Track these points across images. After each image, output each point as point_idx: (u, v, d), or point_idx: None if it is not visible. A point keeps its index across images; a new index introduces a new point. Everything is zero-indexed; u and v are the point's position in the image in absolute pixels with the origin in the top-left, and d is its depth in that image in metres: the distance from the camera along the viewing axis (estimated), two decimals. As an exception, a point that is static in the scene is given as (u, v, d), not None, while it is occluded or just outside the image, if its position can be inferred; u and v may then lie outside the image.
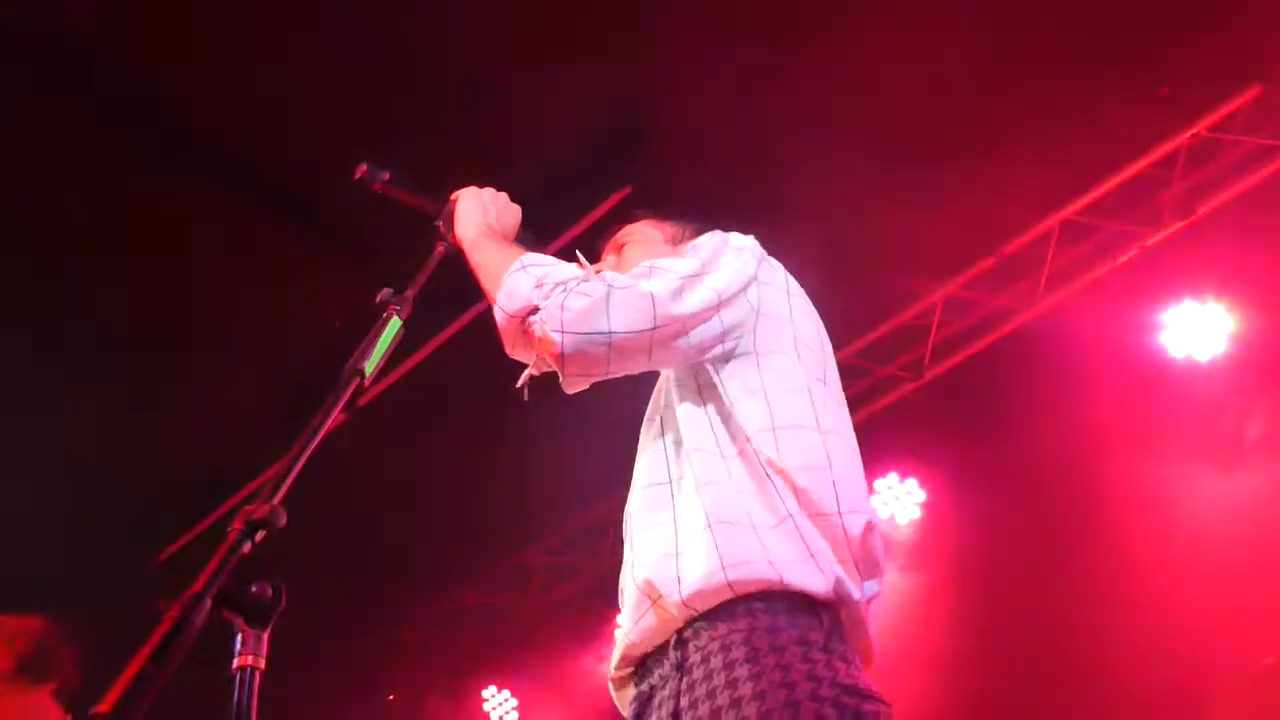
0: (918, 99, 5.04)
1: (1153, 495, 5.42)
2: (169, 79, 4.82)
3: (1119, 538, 5.41)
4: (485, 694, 8.03)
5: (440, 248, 2.00)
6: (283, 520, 1.43)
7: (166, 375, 5.90)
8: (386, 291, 1.81)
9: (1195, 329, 5.58)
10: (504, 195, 2.28)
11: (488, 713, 8.01)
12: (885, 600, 6.38)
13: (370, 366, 1.68)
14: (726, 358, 2.07)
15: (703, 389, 2.10)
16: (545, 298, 1.96)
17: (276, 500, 1.45)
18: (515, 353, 2.06)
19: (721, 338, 2.05)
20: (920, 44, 4.85)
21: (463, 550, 7.27)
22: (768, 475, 1.96)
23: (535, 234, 2.20)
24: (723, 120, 5.16)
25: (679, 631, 1.92)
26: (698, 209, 2.55)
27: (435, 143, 4.80)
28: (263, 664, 1.38)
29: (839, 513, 1.95)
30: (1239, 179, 5.41)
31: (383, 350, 1.72)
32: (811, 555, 1.90)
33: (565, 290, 1.95)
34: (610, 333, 1.92)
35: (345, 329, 5.31)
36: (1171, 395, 5.60)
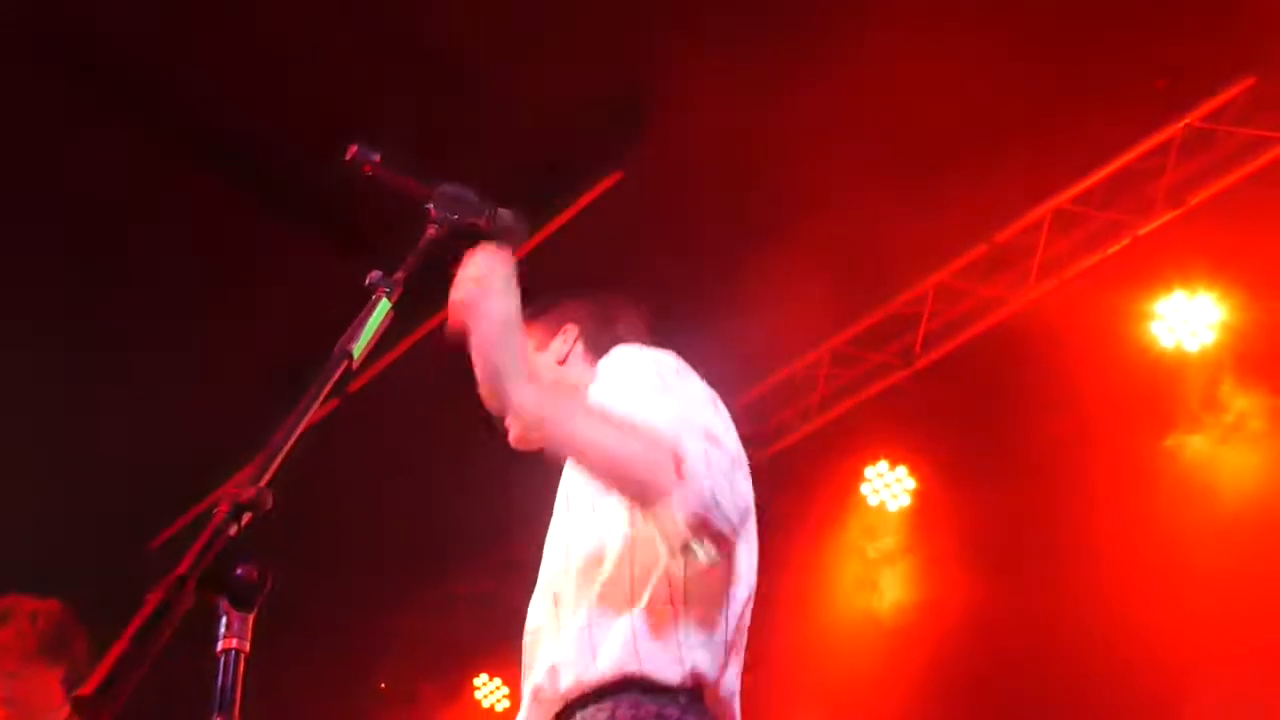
0: (911, 90, 5.04)
1: (1142, 484, 5.44)
2: (166, 67, 4.81)
3: (1108, 526, 5.43)
4: (477, 682, 8.04)
5: (432, 230, 1.98)
6: (269, 503, 1.42)
7: (163, 360, 5.88)
8: (376, 274, 1.80)
9: (1185, 319, 5.59)
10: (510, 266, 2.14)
11: (479, 700, 8.02)
12: (878, 588, 6.37)
13: (359, 349, 1.68)
14: None
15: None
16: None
17: (263, 482, 1.44)
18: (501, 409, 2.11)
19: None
20: (915, 37, 4.84)
21: (455, 538, 7.27)
22: (656, 576, 2.06)
23: (524, 217, 2.18)
24: (716, 109, 5.16)
25: (557, 715, 2.07)
26: (572, 297, 2.56)
27: (427, 125, 4.80)
28: (248, 647, 1.37)
29: (725, 615, 2.09)
30: (1231, 170, 5.42)
31: (371, 333, 1.71)
32: (680, 659, 2.01)
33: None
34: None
35: (335, 313, 5.33)
36: (1160, 385, 5.61)
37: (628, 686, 1.99)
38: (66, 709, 3.30)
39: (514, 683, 7.91)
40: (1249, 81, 5.26)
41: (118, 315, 5.68)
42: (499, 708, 7.96)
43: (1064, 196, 5.69)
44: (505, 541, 7.66)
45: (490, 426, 2.14)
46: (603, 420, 2.03)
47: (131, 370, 5.92)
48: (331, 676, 7.91)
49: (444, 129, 4.90)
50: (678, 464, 1.92)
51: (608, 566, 2.11)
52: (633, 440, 1.97)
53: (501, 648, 8.12)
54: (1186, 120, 5.38)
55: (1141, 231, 5.63)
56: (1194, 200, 5.49)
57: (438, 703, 8.19)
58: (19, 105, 4.78)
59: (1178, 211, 5.53)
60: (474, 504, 6.89)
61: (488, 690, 8.00)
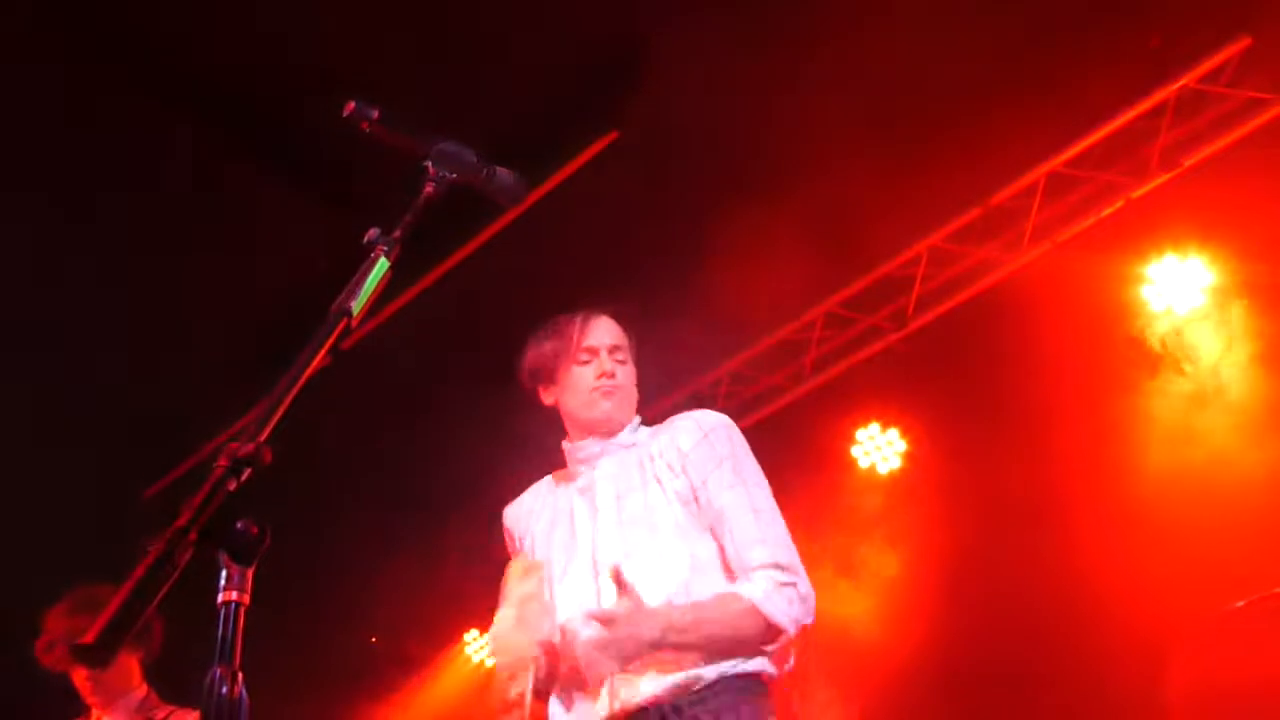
0: (905, 52, 5.01)
1: (1133, 445, 5.46)
2: (162, 14, 4.77)
3: (1099, 488, 5.45)
4: (467, 637, 8.09)
5: (429, 188, 1.98)
6: (267, 458, 1.43)
7: (156, 313, 5.88)
8: (374, 231, 1.80)
9: (1176, 282, 5.60)
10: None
11: (470, 656, 8.07)
12: (867, 551, 6.37)
13: (357, 307, 1.68)
14: None
15: None
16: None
17: (261, 437, 1.45)
18: None
19: None
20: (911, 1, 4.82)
21: (446, 492, 7.29)
22: None
23: (522, 176, 2.17)
24: (711, 71, 5.13)
25: None
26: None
27: (423, 83, 4.77)
28: (248, 599, 1.39)
29: None
30: (1226, 132, 5.40)
31: (369, 290, 1.71)
32: None
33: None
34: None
35: (330, 269, 5.32)
36: (1151, 347, 5.62)
37: None
38: (144, 688, 3.65)
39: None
40: (1245, 42, 5.23)
41: (113, 267, 5.66)
42: (490, 663, 8.01)
43: (1058, 159, 5.68)
44: (497, 495, 7.68)
45: None
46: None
47: (124, 322, 5.91)
48: (321, 631, 7.95)
49: (440, 87, 4.87)
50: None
51: None
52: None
53: (491, 602, 8.16)
54: (1181, 82, 5.36)
55: (1135, 194, 5.62)
56: (1188, 163, 5.48)
57: (429, 658, 8.24)
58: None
59: (1172, 174, 5.52)
60: (466, 457, 6.90)
61: (478, 645, 8.05)
